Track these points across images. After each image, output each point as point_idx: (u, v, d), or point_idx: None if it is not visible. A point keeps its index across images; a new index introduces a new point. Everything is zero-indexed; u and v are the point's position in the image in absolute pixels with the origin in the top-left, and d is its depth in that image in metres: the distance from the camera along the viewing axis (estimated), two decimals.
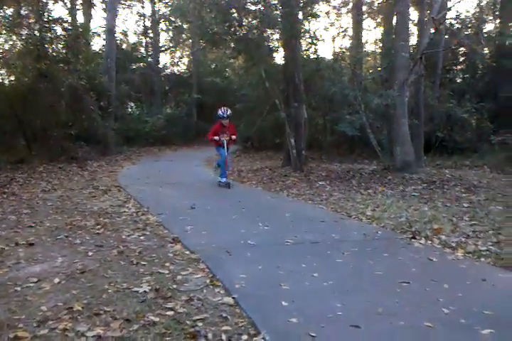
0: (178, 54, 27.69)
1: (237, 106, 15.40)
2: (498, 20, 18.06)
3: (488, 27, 19.33)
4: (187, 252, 4.16)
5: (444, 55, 15.31)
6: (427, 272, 3.62)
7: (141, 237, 4.71)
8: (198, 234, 4.81)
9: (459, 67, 17.10)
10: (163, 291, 3.17)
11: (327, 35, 24.26)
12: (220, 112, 8.09)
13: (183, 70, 25.99)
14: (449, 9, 14.32)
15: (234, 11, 13.07)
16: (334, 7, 19.11)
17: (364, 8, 21.93)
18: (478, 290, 3.23)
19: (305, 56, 13.24)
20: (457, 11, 21.36)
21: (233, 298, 3.07)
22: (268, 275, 3.53)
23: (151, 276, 3.50)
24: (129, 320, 2.74)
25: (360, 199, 6.85)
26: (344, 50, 18.91)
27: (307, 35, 13.55)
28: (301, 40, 12.93)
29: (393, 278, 3.45)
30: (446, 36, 16.19)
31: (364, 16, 21.85)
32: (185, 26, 23.53)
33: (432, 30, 15.39)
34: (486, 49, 17.00)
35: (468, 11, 27.82)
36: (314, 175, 9.14)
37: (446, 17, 14.06)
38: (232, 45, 13.67)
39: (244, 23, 13.26)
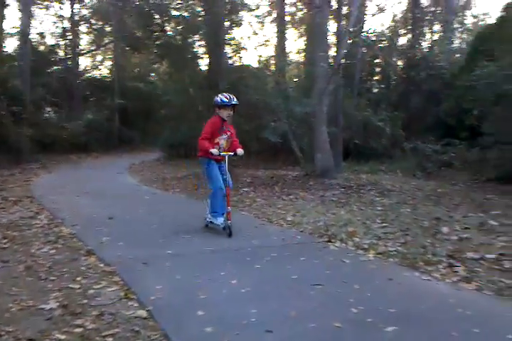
0: (99, 57, 26.80)
1: (162, 112, 15.18)
2: (410, 35, 19.41)
3: (402, 40, 20.58)
4: (101, 265, 4.00)
5: (361, 66, 16.17)
6: (340, 274, 3.77)
7: (52, 251, 4.46)
8: (115, 245, 4.64)
9: (375, 77, 18.13)
10: (71, 307, 3.01)
11: (252, 44, 24.64)
12: (218, 98, 5.08)
13: (105, 74, 25.16)
14: (364, 22, 15.19)
15: (157, 16, 12.93)
16: (257, 16, 19.46)
17: (288, 18, 22.68)
18: (385, 289, 3.41)
19: (230, 63, 13.36)
20: (374, 25, 22.78)
21: (147, 310, 2.99)
22: (186, 284, 3.48)
23: (60, 292, 3.32)
24: (32, 340, 2.58)
25: (282, 204, 7.00)
26: (268, 59, 19.36)
27: (231, 42, 13.73)
28: (226, 48, 13.07)
29: (308, 281, 3.54)
30: (364, 48, 17.17)
31: (288, 26, 22.57)
32: (107, 29, 22.86)
33: (351, 42, 16.26)
34: (400, 61, 18.14)
35: (383, 25, 29.68)
36: (239, 182, 9.20)
37: (363, 30, 14.89)
38: (155, 50, 13.51)
39: (167, 29, 13.16)
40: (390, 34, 19.57)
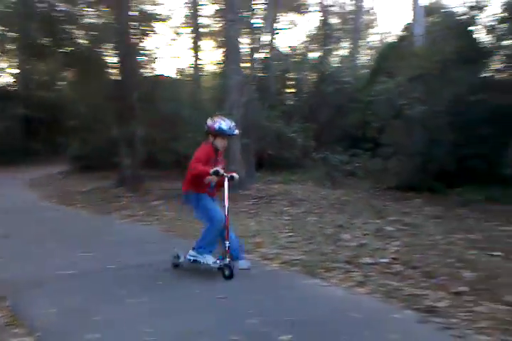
0: (4, 65, 25.00)
1: (71, 123, 14.50)
2: (321, 51, 20.40)
3: (315, 55, 21.44)
4: None
5: (275, 79, 16.70)
6: (244, 285, 3.81)
7: None
8: (6, 267, 4.31)
9: (289, 90, 18.78)
10: None
11: (167, 54, 24.40)
12: (216, 124, 4.10)
13: (7, 82, 23.48)
14: (276, 35, 15.75)
15: (65, 23, 12.38)
16: (172, 27, 19.36)
17: (205, 30, 22.79)
18: (285, 298, 3.50)
19: (144, 73, 13.14)
20: (288, 40, 23.67)
21: (37, 336, 2.81)
22: (80, 306, 3.32)
23: None
24: None
25: (192, 217, 6.92)
26: (184, 70, 19.31)
27: (144, 52, 13.52)
28: (138, 57, 12.83)
29: (211, 295, 3.54)
30: (280, 62, 17.75)
31: (204, 38, 22.68)
32: (9, 35, 21.40)
33: (264, 55, 16.73)
34: (311, 75, 18.92)
35: (297, 40, 30.87)
36: (150, 195, 9.01)
37: (276, 44, 15.45)
38: (62, 58, 12.89)
39: (74, 36, 12.63)
40: (302, 49, 20.50)
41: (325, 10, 18.97)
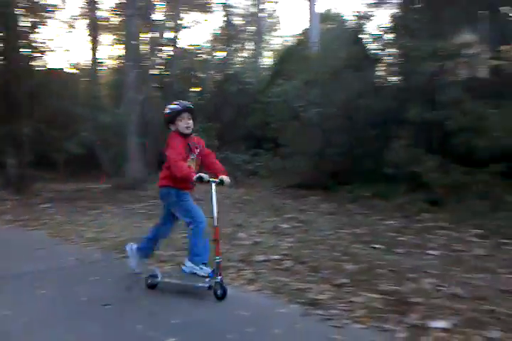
0: None
1: None
2: (225, 50, 20.50)
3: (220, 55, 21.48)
4: None
5: (178, 77, 16.47)
6: (132, 291, 3.68)
7: None
8: None
9: (193, 89, 18.63)
10: None
11: (61, 47, 22.89)
12: (167, 109, 3.71)
13: None
14: (179, 32, 15.55)
15: None
16: (66, 19, 18.20)
17: (104, 23, 21.71)
18: (173, 301, 3.46)
19: (34, 67, 12.19)
20: (193, 38, 23.51)
21: None
22: None
23: None
24: None
25: (84, 220, 6.61)
26: (80, 64, 18.27)
27: (35, 44, 12.54)
28: (26, 50, 11.88)
29: (98, 302, 3.38)
30: (185, 60, 17.53)
31: (104, 31, 21.63)
32: None
33: (166, 53, 16.43)
34: (216, 75, 18.92)
35: (201, 39, 30.75)
36: (39, 197, 8.41)
37: (178, 41, 15.24)
38: None
39: None
40: (207, 48, 20.48)
41: (228, 10, 19.11)
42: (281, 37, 27.23)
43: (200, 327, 2.93)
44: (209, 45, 21.30)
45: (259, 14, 22.59)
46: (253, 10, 22.05)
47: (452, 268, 4.12)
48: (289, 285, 3.71)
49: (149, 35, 12.88)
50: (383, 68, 8.68)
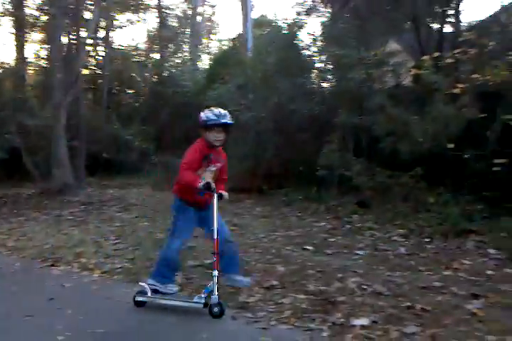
0: None
1: None
2: (161, 52, 20.14)
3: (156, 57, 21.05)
4: None
5: (112, 78, 16.01)
6: (57, 300, 3.53)
7: None
8: None
9: (128, 91, 18.16)
10: None
11: None
12: (204, 114, 3.45)
13: None
14: (112, 33, 15.12)
15: None
16: None
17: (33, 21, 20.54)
18: (101, 309, 3.35)
19: None
20: (128, 39, 22.93)
21: None
22: None
23: None
24: None
25: (6, 228, 6.24)
26: (3, 63, 17.18)
27: None
28: None
29: (18, 314, 3.21)
30: (118, 60, 17.04)
31: (31, 30, 20.49)
32: None
33: (98, 53, 15.90)
34: (152, 77, 18.52)
35: (134, 40, 30.03)
36: None
37: (108, 42, 14.80)
38: None
39: None
40: (142, 50, 20.05)
41: (163, 12, 18.85)
42: (218, 40, 27.30)
43: (125, 336, 2.87)
44: (144, 46, 20.88)
45: (197, 17, 22.48)
46: (190, 12, 21.89)
47: (377, 267, 4.32)
48: (220, 289, 3.71)
49: (80, 34, 12.40)
50: (315, 74, 8.93)
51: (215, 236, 3.31)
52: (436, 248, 4.94)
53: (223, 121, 3.38)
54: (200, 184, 3.23)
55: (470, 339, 2.68)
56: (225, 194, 3.51)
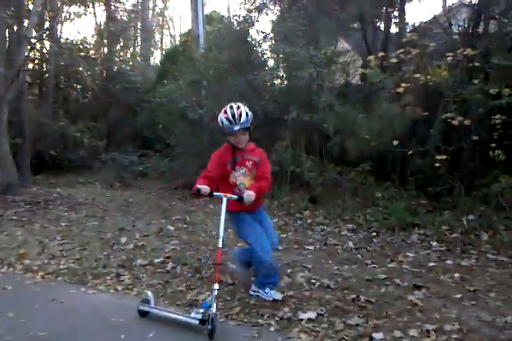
0: None
1: None
2: (109, 47, 19.55)
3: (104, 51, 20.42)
4: None
5: (58, 73, 15.38)
6: (0, 303, 3.38)
7: None
8: None
9: (76, 86, 17.51)
10: None
11: None
12: (224, 119, 3.25)
13: None
14: (54, 27, 14.53)
15: None
16: None
17: None
18: (44, 311, 3.24)
19: None
20: (74, 33, 22.11)
21: None
22: None
23: None
24: None
25: None
26: None
27: None
28: None
29: None
30: (65, 55, 16.34)
31: None
32: None
33: (41, 46, 15.23)
34: (101, 72, 17.93)
35: (80, 33, 29.06)
36: None
37: (51, 35, 14.21)
38: None
39: None
40: (90, 44, 19.36)
41: (112, 5, 18.32)
42: (170, 36, 26.92)
43: (69, 338, 2.78)
44: (93, 40, 20.21)
45: (148, 12, 22.03)
46: (141, 7, 21.40)
47: (326, 261, 4.43)
48: (169, 288, 3.69)
49: (22, 26, 11.84)
50: (267, 71, 8.97)
51: (220, 246, 3.03)
52: (383, 241, 5.12)
53: (236, 128, 3.18)
54: (196, 187, 3.07)
55: (411, 329, 2.80)
56: (247, 197, 3.13)
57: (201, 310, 2.84)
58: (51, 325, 2.98)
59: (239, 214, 3.34)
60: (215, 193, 3.11)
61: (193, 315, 2.86)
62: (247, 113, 3.21)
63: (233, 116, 3.17)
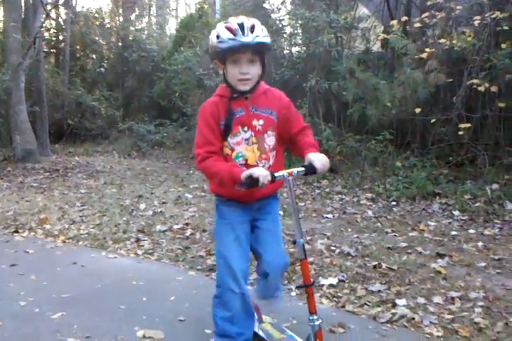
0: None
1: None
2: (125, 15, 19.22)
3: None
4: None
5: (75, 41, 15.21)
6: (21, 266, 3.43)
7: None
8: None
9: (91, 55, 17.36)
10: None
11: None
12: (222, 30, 1.78)
13: None
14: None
15: None
16: None
17: None
18: (66, 274, 3.28)
19: None
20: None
21: None
22: None
23: None
24: None
25: None
26: None
27: None
28: None
29: None
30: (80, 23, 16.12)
31: None
32: None
33: (58, 14, 15.05)
34: (117, 41, 17.67)
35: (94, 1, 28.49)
36: None
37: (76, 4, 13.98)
38: None
39: None
40: (106, 12, 19.04)
41: None
42: (185, 4, 26.28)
43: (91, 300, 2.81)
44: (108, 9, 19.86)
45: None
46: None
47: (345, 229, 4.39)
48: (188, 254, 3.69)
49: None
50: (285, 38, 8.71)
51: (303, 256, 1.85)
52: (403, 210, 5.05)
53: (246, 40, 1.76)
54: (243, 175, 1.73)
55: (435, 296, 2.76)
56: (318, 164, 1.79)
57: None
58: (73, 287, 3.01)
59: (224, 204, 2.02)
60: (276, 174, 1.78)
61: None
62: (262, 28, 1.82)
63: (241, 25, 1.77)
